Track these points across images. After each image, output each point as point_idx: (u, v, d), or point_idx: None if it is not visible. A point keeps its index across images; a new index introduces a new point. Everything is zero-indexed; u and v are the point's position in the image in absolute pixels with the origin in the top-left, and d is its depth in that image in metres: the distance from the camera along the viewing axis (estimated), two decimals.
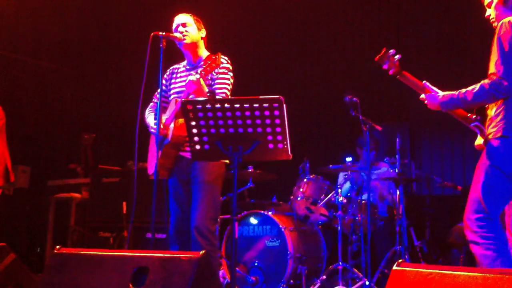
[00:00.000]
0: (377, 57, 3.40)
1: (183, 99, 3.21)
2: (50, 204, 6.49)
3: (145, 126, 3.87)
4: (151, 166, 3.80)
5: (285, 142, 3.06)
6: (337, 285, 4.54)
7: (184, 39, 3.76)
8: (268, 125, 3.03)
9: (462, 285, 1.85)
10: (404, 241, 5.00)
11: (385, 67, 3.39)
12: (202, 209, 3.59)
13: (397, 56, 3.37)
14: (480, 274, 1.83)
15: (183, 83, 3.76)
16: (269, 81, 7.08)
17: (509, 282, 1.74)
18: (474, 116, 3.19)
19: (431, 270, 1.99)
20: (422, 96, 3.33)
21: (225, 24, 6.84)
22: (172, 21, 3.86)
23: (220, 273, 4.96)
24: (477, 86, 3.04)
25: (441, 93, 3.23)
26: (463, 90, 3.10)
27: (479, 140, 3.21)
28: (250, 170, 5.26)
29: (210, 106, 3.08)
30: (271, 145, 3.08)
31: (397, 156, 5.11)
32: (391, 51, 3.38)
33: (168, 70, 3.98)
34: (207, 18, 3.99)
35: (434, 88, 3.29)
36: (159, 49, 3.52)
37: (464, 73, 6.16)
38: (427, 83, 3.31)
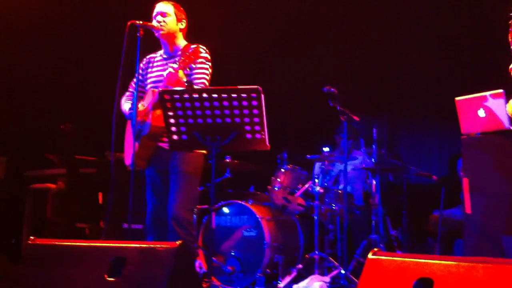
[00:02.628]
0: None
1: (160, 90, 3.19)
2: (26, 194, 6.41)
3: (122, 114, 3.84)
4: (128, 157, 3.78)
5: (263, 132, 3.07)
6: (313, 274, 4.58)
7: (161, 29, 3.73)
8: (246, 115, 3.03)
9: (436, 273, 1.88)
10: (379, 230, 5.06)
11: None
12: (180, 200, 3.58)
13: None
14: (454, 263, 1.86)
15: (160, 73, 3.73)
16: (247, 71, 7.07)
17: (481, 270, 1.77)
18: None
19: (405, 259, 2.01)
20: None
21: (204, 13, 6.79)
22: (153, 8, 3.82)
23: (197, 263, 4.97)
24: None
25: None
26: None
27: None
28: (228, 160, 5.26)
29: (187, 96, 3.07)
30: (249, 135, 3.09)
31: (374, 146, 5.15)
32: None
33: (145, 59, 3.94)
34: (187, 6, 3.95)
35: None
36: (137, 38, 3.49)
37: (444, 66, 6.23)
38: None
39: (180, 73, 3.47)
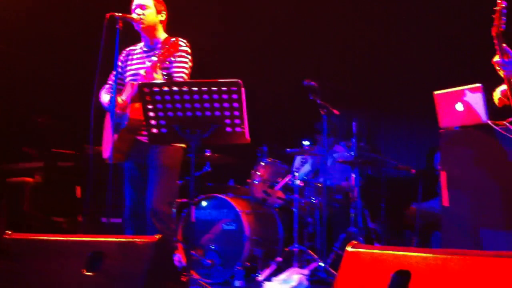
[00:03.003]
0: (500, 7, 2.93)
1: (139, 82, 3.17)
2: (3, 188, 6.32)
3: (100, 107, 3.80)
4: (106, 150, 3.75)
5: (243, 126, 3.07)
6: (293, 267, 4.60)
7: (141, 22, 3.69)
8: (226, 108, 3.03)
9: (414, 266, 1.90)
10: (358, 223, 5.10)
11: (503, 20, 2.93)
12: (159, 193, 3.56)
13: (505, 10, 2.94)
14: (431, 255, 1.88)
15: (140, 66, 3.70)
16: (228, 64, 7.04)
17: (458, 262, 1.79)
18: None
19: (384, 251, 2.03)
20: (497, 59, 2.99)
21: (184, 5, 6.74)
22: (132, 0, 3.78)
23: (176, 256, 4.95)
24: None
25: None
26: None
27: None
28: (207, 154, 5.25)
29: (167, 89, 3.05)
30: (229, 129, 3.08)
31: (353, 139, 5.18)
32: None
33: (124, 52, 3.90)
34: None
35: None
36: (116, 30, 3.45)
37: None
38: (507, 47, 2.98)
39: (157, 76, 3.42)
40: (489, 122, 3.68)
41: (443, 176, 3.86)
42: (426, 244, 5.22)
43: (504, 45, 2.88)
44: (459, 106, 3.78)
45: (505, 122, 3.66)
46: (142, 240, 2.37)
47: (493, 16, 2.83)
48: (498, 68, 2.90)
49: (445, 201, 3.82)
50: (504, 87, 2.96)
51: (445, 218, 3.84)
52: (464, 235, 3.73)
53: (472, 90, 3.74)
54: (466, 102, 3.75)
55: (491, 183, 3.68)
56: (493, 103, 3.09)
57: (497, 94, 3.01)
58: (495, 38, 2.85)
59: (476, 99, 3.71)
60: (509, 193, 3.61)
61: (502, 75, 2.90)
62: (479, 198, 3.71)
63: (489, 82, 3.84)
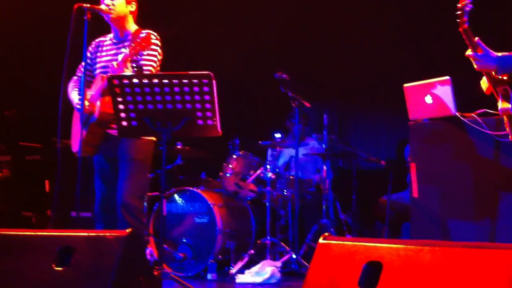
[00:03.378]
0: (461, 5, 2.89)
1: (109, 75, 3.12)
2: None
3: (69, 101, 3.74)
4: (75, 143, 3.69)
5: (214, 119, 3.06)
6: (265, 259, 4.61)
7: (110, 13, 3.63)
8: (197, 101, 3.01)
9: (385, 257, 1.92)
10: (330, 215, 5.14)
11: (465, 18, 2.89)
12: (129, 187, 3.52)
13: (469, 6, 2.89)
14: (402, 246, 1.90)
15: (110, 58, 3.65)
16: (198, 56, 7.00)
17: (429, 253, 1.82)
18: (506, 79, 2.92)
19: (355, 243, 2.05)
20: (469, 53, 2.93)
21: None
22: None
23: (148, 250, 4.92)
24: None
25: (498, 54, 2.89)
26: None
27: (505, 105, 2.95)
28: (179, 147, 5.21)
29: (137, 81, 3.02)
30: (200, 122, 3.07)
31: (324, 131, 5.21)
32: (469, 4, 2.90)
33: (94, 43, 3.83)
34: None
35: (487, 48, 2.92)
36: (84, 21, 3.39)
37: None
38: (480, 41, 2.93)
39: (128, 70, 3.38)
40: (458, 114, 3.73)
41: (412, 168, 3.91)
42: (396, 235, 5.29)
43: (476, 39, 2.91)
44: (428, 99, 3.83)
45: (473, 114, 3.73)
46: (113, 234, 2.35)
47: (457, 13, 2.87)
48: (472, 61, 2.94)
49: (415, 193, 3.88)
50: None
51: (414, 209, 3.89)
52: (433, 226, 3.79)
53: (441, 83, 3.79)
54: (435, 94, 3.80)
55: (460, 174, 3.74)
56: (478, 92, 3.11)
57: (484, 82, 3.04)
58: (462, 34, 2.90)
59: (445, 92, 3.76)
60: (477, 184, 3.68)
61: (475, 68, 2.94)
62: (448, 189, 3.77)
63: (458, 74, 3.89)
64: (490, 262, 1.67)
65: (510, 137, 3.01)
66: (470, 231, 3.65)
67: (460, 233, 3.67)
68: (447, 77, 3.75)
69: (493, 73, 2.90)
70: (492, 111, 3.70)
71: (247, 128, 6.66)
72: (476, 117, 3.69)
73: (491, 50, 2.88)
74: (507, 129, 2.99)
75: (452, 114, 3.74)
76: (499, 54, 2.85)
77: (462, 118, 3.71)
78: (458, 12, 2.86)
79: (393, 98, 4.98)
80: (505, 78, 2.90)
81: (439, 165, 3.82)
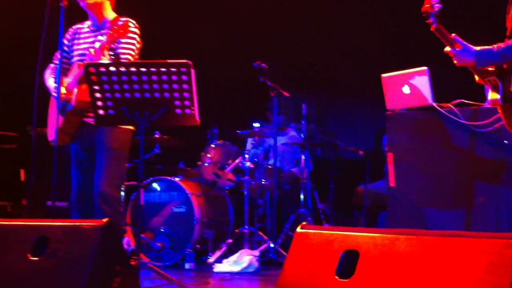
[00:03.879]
0: (423, 8, 2.93)
1: (85, 63, 3.08)
2: None
3: (45, 89, 3.68)
4: (51, 132, 3.64)
5: (193, 108, 3.03)
6: (243, 248, 4.62)
7: (86, 0, 3.57)
8: (175, 90, 2.98)
9: (362, 245, 1.93)
10: (308, 204, 5.16)
11: (431, 20, 2.92)
12: (107, 176, 3.49)
13: (437, 7, 2.92)
14: (379, 235, 1.92)
15: (87, 45, 3.59)
16: (177, 45, 6.94)
17: (405, 242, 1.83)
18: (492, 69, 2.93)
19: (332, 232, 2.06)
20: (448, 49, 2.96)
21: None
22: None
23: (125, 240, 4.89)
24: None
25: (476, 48, 2.90)
26: (501, 46, 2.84)
27: (494, 95, 2.95)
28: (157, 136, 5.18)
29: (114, 69, 2.98)
30: (178, 111, 3.05)
31: (303, 121, 5.22)
32: (436, 4, 2.93)
33: (71, 30, 3.77)
34: None
35: (465, 43, 2.94)
36: (60, 8, 3.33)
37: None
38: (457, 37, 2.95)
39: (105, 57, 3.33)
40: (435, 104, 3.77)
41: (389, 158, 3.95)
42: (373, 224, 5.34)
43: (452, 35, 2.93)
44: (406, 89, 3.85)
45: (450, 105, 3.76)
46: (89, 224, 2.32)
47: (423, 16, 2.91)
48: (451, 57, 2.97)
49: (391, 182, 3.91)
50: None
51: (391, 198, 3.93)
52: (409, 215, 3.83)
53: (418, 73, 3.81)
54: (413, 85, 3.83)
55: (436, 164, 3.78)
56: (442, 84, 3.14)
57: None
58: (436, 34, 2.94)
59: (422, 82, 3.79)
60: (454, 174, 3.73)
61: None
62: (424, 178, 3.81)
63: (436, 65, 3.93)
64: (465, 251, 1.70)
65: (506, 126, 3.01)
66: (446, 220, 3.70)
67: (436, 222, 3.72)
68: (425, 68, 3.78)
69: (473, 66, 2.93)
70: (468, 102, 3.74)
71: (225, 117, 6.66)
72: (453, 107, 3.73)
73: (469, 45, 2.90)
74: (502, 119, 3.00)
75: (429, 104, 3.78)
76: (478, 48, 2.87)
77: (439, 108, 3.75)
78: (424, 15, 2.89)
79: (371, 88, 5.01)
80: (491, 69, 2.92)
81: (415, 154, 3.86)
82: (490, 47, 2.84)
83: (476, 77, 3.04)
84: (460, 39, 2.92)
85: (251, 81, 5.16)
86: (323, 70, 6.80)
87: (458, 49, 2.90)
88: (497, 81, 2.91)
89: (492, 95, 2.96)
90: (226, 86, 7.08)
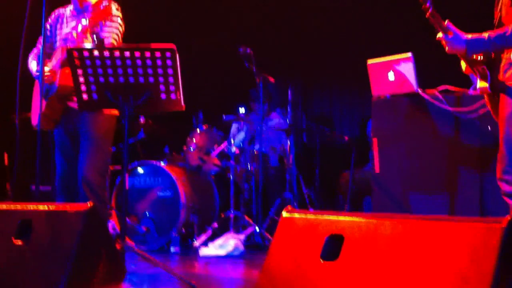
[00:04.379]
0: None
1: (69, 47, 3.05)
2: None
3: (28, 73, 3.64)
4: (34, 117, 3.60)
5: (178, 93, 3.02)
6: (229, 232, 4.63)
7: None
8: (160, 75, 2.96)
9: (347, 230, 1.94)
10: (293, 189, 5.19)
11: (428, 5, 2.90)
12: (91, 163, 3.46)
13: None
14: (363, 219, 1.93)
15: (69, 30, 3.55)
16: (161, 29, 6.89)
17: (389, 226, 1.85)
18: (481, 58, 2.94)
19: (317, 216, 2.07)
20: (440, 36, 2.94)
21: None
22: None
23: (110, 224, 4.88)
24: (508, 30, 2.77)
25: (467, 36, 2.89)
26: (492, 33, 2.83)
27: (483, 84, 2.95)
28: (141, 121, 5.15)
29: (98, 54, 2.95)
30: (163, 96, 3.03)
31: (288, 107, 5.22)
32: None
33: (53, 14, 3.72)
34: None
35: (457, 30, 2.92)
36: None
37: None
38: (450, 24, 2.94)
39: (87, 41, 3.29)
40: (419, 91, 3.79)
41: (374, 143, 3.97)
42: (358, 208, 5.38)
43: (446, 22, 2.92)
44: (391, 75, 3.87)
45: (434, 91, 3.79)
46: (73, 208, 2.31)
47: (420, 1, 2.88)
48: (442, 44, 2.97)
49: (376, 168, 3.94)
50: None
51: (375, 183, 3.96)
52: (393, 200, 3.87)
53: (403, 60, 3.83)
54: (398, 71, 3.85)
55: (421, 150, 3.81)
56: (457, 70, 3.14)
57: (464, 62, 3.07)
58: (430, 20, 2.91)
59: (407, 68, 3.81)
60: (438, 159, 3.76)
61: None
62: (408, 164, 3.84)
63: (421, 51, 3.94)
64: (449, 235, 1.71)
65: (493, 115, 3.02)
66: (430, 204, 3.74)
67: (420, 206, 3.76)
68: (410, 54, 3.80)
69: (464, 54, 2.93)
70: (453, 88, 3.77)
71: (210, 102, 6.63)
72: (438, 93, 3.75)
73: (461, 32, 2.89)
74: (488, 107, 3.02)
75: (414, 91, 3.80)
76: (469, 36, 2.87)
77: (423, 95, 3.77)
78: (420, 0, 2.88)
79: (356, 73, 5.02)
80: (480, 58, 2.92)
81: (400, 140, 3.88)
82: (481, 35, 2.83)
83: (463, 67, 3.05)
84: (453, 26, 2.91)
85: (237, 65, 5.13)
86: (309, 55, 6.78)
87: (450, 36, 2.89)
88: (486, 70, 2.91)
89: (480, 84, 2.96)
90: (211, 71, 7.04)
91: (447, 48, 2.92)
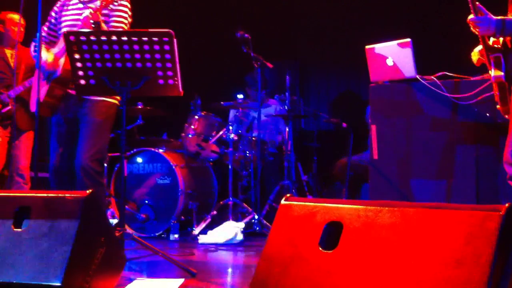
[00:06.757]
0: None
1: (65, 31, 3.02)
2: None
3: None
4: (33, 103, 3.58)
5: (175, 78, 3.00)
6: (228, 220, 4.64)
7: None
8: (158, 59, 2.95)
9: (345, 217, 1.94)
10: (292, 176, 5.18)
11: None
12: (89, 149, 3.44)
13: None
14: (362, 206, 1.93)
15: (75, 16, 3.51)
16: (159, 14, 6.84)
17: (388, 213, 1.85)
18: (498, 46, 2.97)
19: (316, 204, 2.07)
20: (471, 17, 2.95)
21: None
22: None
23: (109, 211, 4.88)
24: None
25: (497, 18, 2.92)
26: None
27: (497, 72, 2.98)
28: (139, 107, 5.13)
29: (95, 38, 2.93)
30: (161, 81, 3.01)
31: (286, 93, 5.20)
32: None
33: (59, 2, 3.68)
34: None
35: (487, 11, 2.95)
36: None
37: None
38: (480, 5, 2.97)
39: (98, 15, 3.26)
40: (418, 76, 3.78)
41: (373, 130, 3.96)
42: (356, 195, 5.38)
43: (477, 3, 2.95)
44: (390, 61, 3.85)
45: (433, 77, 3.78)
46: (72, 195, 2.30)
47: None
48: (472, 26, 2.98)
49: (375, 154, 3.93)
50: (480, 47, 3.05)
51: (374, 170, 3.96)
52: (391, 187, 3.87)
53: (402, 45, 3.81)
54: (396, 56, 3.83)
55: (419, 136, 3.81)
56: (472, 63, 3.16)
57: (475, 54, 3.09)
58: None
59: (405, 54, 3.79)
60: (435, 146, 3.76)
61: (477, 33, 2.97)
62: (406, 150, 3.84)
63: (419, 37, 3.92)
64: (447, 223, 1.72)
65: (498, 106, 3.04)
66: (427, 191, 3.75)
67: (418, 193, 3.76)
68: (408, 39, 3.78)
69: (492, 37, 2.93)
70: (451, 74, 3.75)
71: (209, 88, 6.61)
72: (436, 79, 3.74)
73: (491, 14, 2.91)
74: (496, 96, 3.03)
75: (412, 77, 3.79)
76: (499, 17, 2.88)
77: (422, 81, 3.75)
78: None
79: (355, 59, 5.00)
80: (497, 46, 2.95)
81: (399, 126, 3.88)
82: (509, 17, 2.85)
83: (475, 59, 3.07)
84: (483, 7, 2.94)
85: (235, 51, 5.10)
86: (307, 41, 6.76)
87: (480, 16, 2.91)
88: (501, 58, 2.93)
89: (495, 72, 2.98)
90: (209, 56, 7.01)
91: (478, 28, 2.93)
